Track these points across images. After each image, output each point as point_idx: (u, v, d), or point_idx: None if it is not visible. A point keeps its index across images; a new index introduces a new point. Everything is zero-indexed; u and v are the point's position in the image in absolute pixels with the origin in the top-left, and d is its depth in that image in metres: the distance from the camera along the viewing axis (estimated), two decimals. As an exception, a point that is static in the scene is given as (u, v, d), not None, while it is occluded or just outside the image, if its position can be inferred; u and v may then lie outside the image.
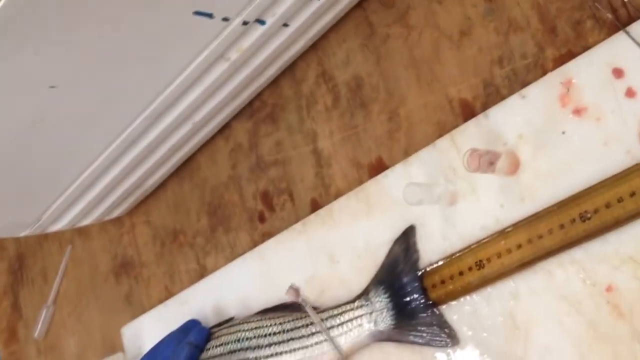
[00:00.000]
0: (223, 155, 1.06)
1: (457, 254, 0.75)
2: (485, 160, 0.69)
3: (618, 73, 0.67)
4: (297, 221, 0.93)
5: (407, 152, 0.84)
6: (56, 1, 0.64)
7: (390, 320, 0.78)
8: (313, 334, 0.82)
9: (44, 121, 0.81)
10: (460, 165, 0.75)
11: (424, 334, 0.76)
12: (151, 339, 1.05)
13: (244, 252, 0.99)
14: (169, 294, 1.12)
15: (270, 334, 0.85)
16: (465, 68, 0.80)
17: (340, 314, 0.81)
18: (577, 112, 0.69)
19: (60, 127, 0.85)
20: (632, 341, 0.64)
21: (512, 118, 0.73)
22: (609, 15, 0.70)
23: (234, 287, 0.99)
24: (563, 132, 0.70)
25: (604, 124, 0.68)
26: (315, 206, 0.93)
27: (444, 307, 0.76)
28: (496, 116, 0.75)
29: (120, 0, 0.68)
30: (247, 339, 0.87)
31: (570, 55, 0.72)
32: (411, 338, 0.77)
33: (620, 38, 0.68)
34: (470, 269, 0.73)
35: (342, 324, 0.81)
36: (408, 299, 0.78)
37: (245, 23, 0.81)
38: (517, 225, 0.71)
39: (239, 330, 0.88)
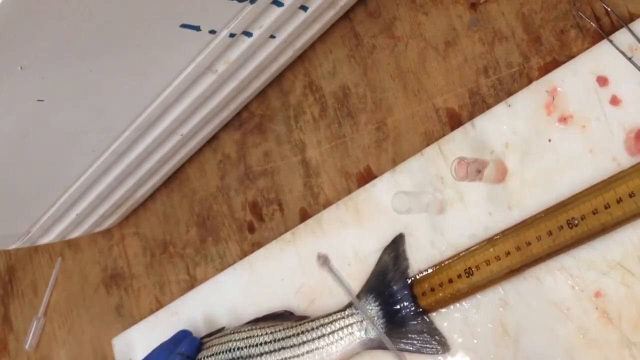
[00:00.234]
0: (212, 166, 1.06)
1: (447, 262, 0.75)
2: (473, 169, 0.69)
3: (602, 81, 0.68)
4: (286, 231, 0.93)
5: (395, 162, 0.84)
6: (42, 17, 0.64)
7: (381, 328, 0.78)
8: (304, 342, 0.82)
9: (32, 134, 0.81)
10: (448, 174, 0.76)
11: (415, 342, 0.77)
12: (142, 350, 1.06)
13: (233, 263, 1.00)
14: (159, 304, 1.12)
15: (261, 344, 0.85)
16: (452, 78, 0.80)
17: (331, 322, 0.81)
18: (563, 120, 0.70)
19: (49, 140, 0.84)
20: (620, 346, 0.65)
21: (499, 127, 0.74)
22: (593, 24, 0.70)
23: (224, 297, 0.99)
24: (549, 140, 0.71)
25: (589, 132, 0.68)
26: (304, 216, 0.93)
27: (434, 314, 0.77)
28: (483, 125, 0.75)
29: (108, 14, 0.68)
30: (238, 348, 0.87)
31: (555, 64, 0.72)
32: (402, 345, 0.77)
33: (604, 47, 0.68)
34: (459, 276, 0.74)
35: (333, 332, 0.81)
36: (398, 306, 0.78)
37: (232, 35, 0.81)
38: (505, 233, 0.72)
39: (230, 340, 0.88)
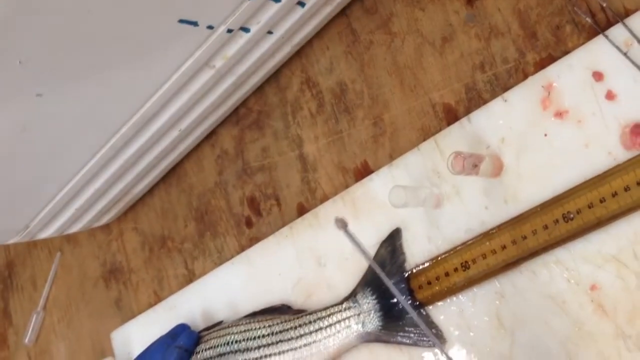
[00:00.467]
0: (210, 161, 1.06)
1: (443, 256, 0.76)
2: (469, 163, 0.70)
3: (598, 76, 0.69)
4: (283, 226, 0.93)
5: (392, 157, 0.85)
6: (41, 12, 0.64)
7: (378, 322, 0.79)
8: (301, 336, 0.83)
9: (31, 129, 0.81)
10: (445, 169, 0.76)
11: (412, 335, 0.77)
12: (140, 343, 1.06)
13: (231, 257, 1.00)
14: (157, 299, 1.12)
15: (259, 337, 0.86)
16: (448, 73, 0.81)
17: (329, 315, 0.82)
18: (559, 114, 0.70)
19: (47, 135, 0.85)
20: (616, 339, 0.66)
21: (495, 122, 0.74)
22: (588, 20, 0.71)
23: (222, 291, 0.99)
24: (545, 135, 0.71)
25: (585, 126, 0.69)
26: (301, 210, 0.94)
27: (430, 307, 0.77)
28: (479, 120, 0.76)
29: (106, 9, 0.69)
30: (236, 341, 0.87)
31: (551, 60, 0.73)
32: (399, 339, 0.78)
33: (599, 42, 0.69)
34: (455, 270, 0.74)
35: (330, 325, 0.81)
36: (395, 300, 0.78)
37: (229, 31, 0.81)
38: (502, 227, 0.72)
39: (228, 334, 0.89)
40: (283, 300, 0.91)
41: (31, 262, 1.38)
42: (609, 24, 0.69)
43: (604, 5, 0.70)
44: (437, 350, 0.76)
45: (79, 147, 0.91)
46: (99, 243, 1.24)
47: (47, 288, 1.32)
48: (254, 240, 0.98)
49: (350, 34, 0.90)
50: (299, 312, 0.86)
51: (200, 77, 0.88)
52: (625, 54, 0.67)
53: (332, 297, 0.86)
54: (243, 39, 0.85)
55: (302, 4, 0.85)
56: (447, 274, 0.75)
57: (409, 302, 0.77)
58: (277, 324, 0.86)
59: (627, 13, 0.68)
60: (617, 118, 0.67)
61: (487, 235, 0.73)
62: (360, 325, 0.80)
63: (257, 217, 0.99)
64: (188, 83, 0.88)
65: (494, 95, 0.76)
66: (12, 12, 0.62)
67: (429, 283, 0.76)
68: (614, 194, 0.65)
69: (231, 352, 0.87)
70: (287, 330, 0.84)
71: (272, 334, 0.85)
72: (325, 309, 0.83)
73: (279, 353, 0.84)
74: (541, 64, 0.74)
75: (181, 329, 0.96)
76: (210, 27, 0.80)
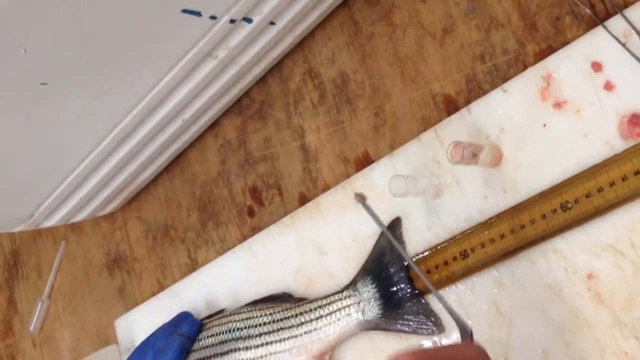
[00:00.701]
0: (212, 151, 1.07)
1: (442, 245, 0.77)
2: (469, 153, 0.70)
3: (597, 67, 0.69)
4: (285, 215, 0.94)
5: (392, 147, 0.85)
6: (45, 1, 0.65)
7: (377, 310, 0.79)
8: (302, 323, 0.83)
9: (35, 118, 0.82)
10: (445, 159, 0.77)
11: (411, 323, 0.78)
12: (144, 331, 1.07)
13: (234, 246, 1.01)
14: (160, 287, 1.13)
15: (260, 324, 0.87)
16: (448, 64, 0.81)
17: (329, 303, 0.83)
18: (558, 105, 0.71)
19: (52, 124, 0.86)
20: (612, 327, 0.66)
21: (494, 112, 0.75)
22: (588, 11, 0.71)
23: (225, 279, 1.00)
24: (544, 125, 0.72)
25: (583, 117, 0.69)
26: (303, 200, 0.94)
27: (429, 296, 0.78)
28: (479, 110, 0.76)
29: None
30: (237, 329, 0.88)
31: (550, 51, 0.73)
32: (398, 327, 0.78)
33: (598, 33, 0.69)
34: (454, 258, 0.75)
35: (330, 313, 0.82)
36: (395, 288, 0.79)
37: (232, 21, 0.82)
38: (500, 216, 0.73)
39: (230, 321, 0.90)
40: (284, 289, 0.91)
41: (36, 251, 1.39)
42: (608, 15, 0.69)
43: (603, -4, 0.70)
44: (435, 338, 0.77)
45: (84, 136, 0.92)
46: (103, 232, 1.24)
47: (52, 276, 1.33)
48: (256, 230, 0.99)
49: (352, 25, 0.90)
50: (300, 300, 0.87)
51: (203, 67, 0.88)
52: (624, 45, 0.67)
53: (332, 286, 0.86)
54: (246, 29, 0.85)
55: (304, -5, 0.85)
56: (446, 263, 0.76)
57: (409, 290, 0.78)
58: (278, 311, 0.86)
59: (626, 4, 0.69)
60: (615, 108, 0.67)
61: (486, 224, 0.73)
62: (360, 313, 0.80)
63: (259, 207, 1.00)
64: (191, 73, 0.88)
65: (493, 85, 0.77)
66: (17, 0, 0.63)
67: (429, 272, 0.77)
68: (612, 184, 0.65)
69: (233, 339, 0.88)
70: (288, 318, 0.85)
71: (273, 321, 0.86)
72: (326, 297, 0.84)
73: (280, 340, 0.85)
74: (541, 55, 0.74)
75: (184, 317, 0.96)
76: (213, 18, 0.80)
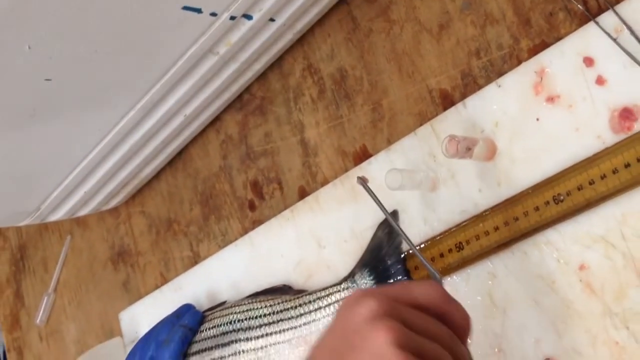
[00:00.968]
0: (214, 146, 1.08)
1: (438, 237, 0.78)
2: (463, 146, 0.71)
3: (589, 62, 0.70)
4: (285, 209, 0.95)
5: (390, 141, 0.86)
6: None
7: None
8: (302, 315, 0.84)
9: (40, 113, 0.83)
10: (440, 153, 0.78)
11: (407, 314, 0.79)
12: (147, 323, 1.08)
13: (235, 239, 1.02)
14: (164, 280, 1.14)
15: (260, 316, 0.88)
16: (445, 60, 0.82)
17: (327, 295, 0.84)
18: (550, 99, 0.72)
19: (57, 119, 0.87)
20: (603, 317, 0.67)
21: (489, 106, 0.76)
22: (580, 7, 0.72)
23: (226, 272, 1.01)
24: (537, 119, 0.72)
25: (575, 111, 0.70)
26: (302, 194, 0.95)
27: (426, 287, 0.79)
28: (474, 105, 0.77)
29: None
30: (238, 320, 0.89)
31: (544, 46, 0.74)
32: (395, 317, 0.79)
33: (590, 28, 0.70)
34: (450, 250, 0.76)
35: (329, 305, 0.83)
36: (392, 280, 0.80)
37: (232, 18, 0.83)
38: (494, 209, 0.74)
39: (231, 313, 0.91)
40: (284, 281, 0.93)
41: (42, 245, 1.40)
42: (600, 11, 0.70)
43: (595, -8, 0.71)
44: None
45: (87, 131, 0.93)
46: (108, 226, 1.26)
47: (58, 270, 1.34)
48: (256, 223, 1.00)
49: (351, 22, 0.91)
50: (300, 292, 0.88)
51: (204, 64, 0.89)
52: (615, 40, 0.68)
53: (331, 278, 0.87)
54: (246, 26, 0.86)
55: (303, -8, 0.86)
56: (441, 255, 0.77)
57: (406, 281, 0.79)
58: (278, 303, 0.87)
59: (618, 0, 0.69)
60: (607, 103, 0.68)
61: (480, 217, 0.74)
62: (358, 305, 0.81)
63: (260, 201, 1.01)
64: (192, 69, 0.89)
65: (488, 80, 0.78)
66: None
67: (425, 263, 0.78)
68: (603, 177, 0.66)
69: (233, 330, 0.89)
70: (288, 309, 0.86)
71: (273, 313, 0.87)
72: (325, 289, 0.85)
73: (280, 331, 0.86)
74: (534, 50, 0.75)
75: (186, 309, 0.98)
76: (213, 14, 0.81)
